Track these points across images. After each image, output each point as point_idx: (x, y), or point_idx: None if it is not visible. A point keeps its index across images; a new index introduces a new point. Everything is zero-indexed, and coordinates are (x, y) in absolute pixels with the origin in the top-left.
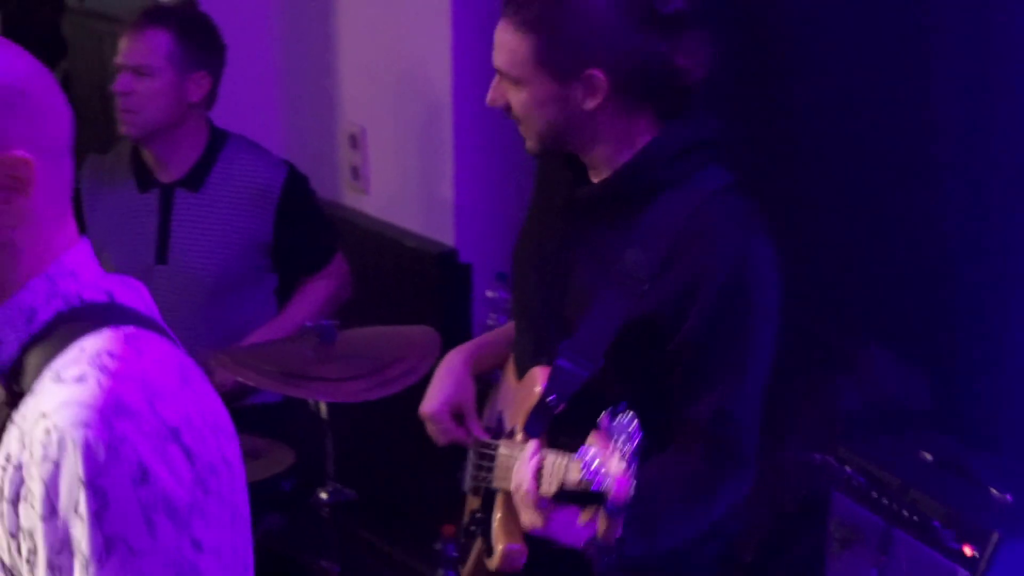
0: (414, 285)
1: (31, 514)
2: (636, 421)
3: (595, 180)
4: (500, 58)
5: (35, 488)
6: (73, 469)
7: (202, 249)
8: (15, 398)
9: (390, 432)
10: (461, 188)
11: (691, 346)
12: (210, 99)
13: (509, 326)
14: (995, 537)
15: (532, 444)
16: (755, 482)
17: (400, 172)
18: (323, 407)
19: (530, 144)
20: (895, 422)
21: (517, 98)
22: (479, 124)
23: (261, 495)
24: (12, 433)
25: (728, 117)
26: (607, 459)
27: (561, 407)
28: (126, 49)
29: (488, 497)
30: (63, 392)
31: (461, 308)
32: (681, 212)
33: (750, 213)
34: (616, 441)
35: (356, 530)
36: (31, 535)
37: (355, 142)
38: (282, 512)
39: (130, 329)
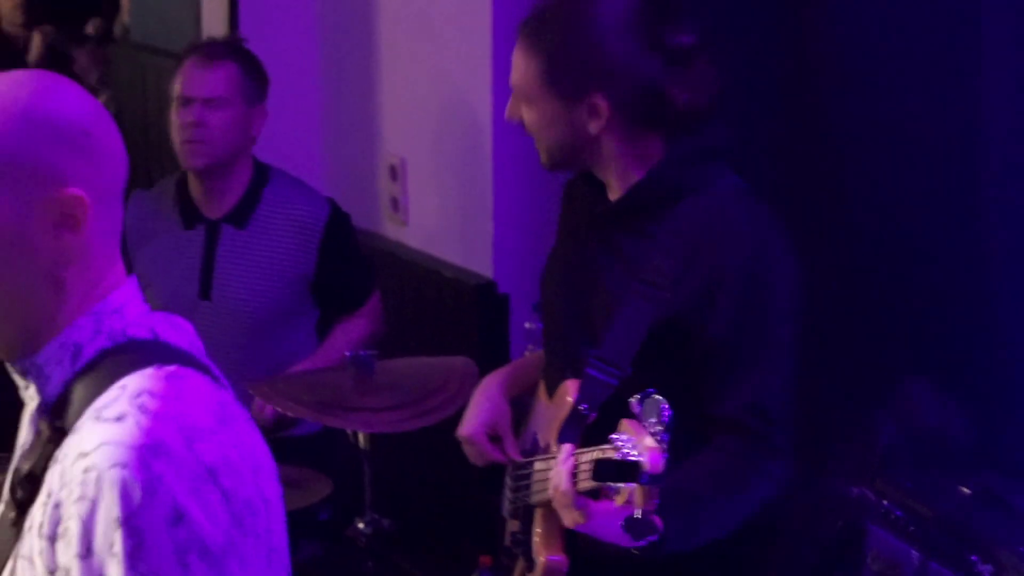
0: (453, 316)
1: (67, 552)
2: (665, 402)
3: (612, 198)
4: (513, 76)
5: (72, 526)
6: (109, 508)
7: (246, 284)
8: (58, 435)
9: (428, 462)
10: (500, 219)
11: (717, 345)
12: (260, 132)
13: (541, 352)
14: None
15: (566, 447)
16: (788, 509)
17: (439, 203)
18: (362, 437)
19: (543, 159)
20: (934, 455)
21: (528, 116)
22: (519, 155)
23: (298, 525)
24: (54, 470)
25: (763, 134)
26: (640, 437)
27: (593, 416)
28: (195, 80)
29: (527, 516)
30: (102, 431)
31: (499, 339)
32: (700, 216)
33: (767, 213)
34: (647, 421)
35: (393, 560)
36: (67, 572)
37: (395, 173)
38: (319, 542)
39: (172, 368)
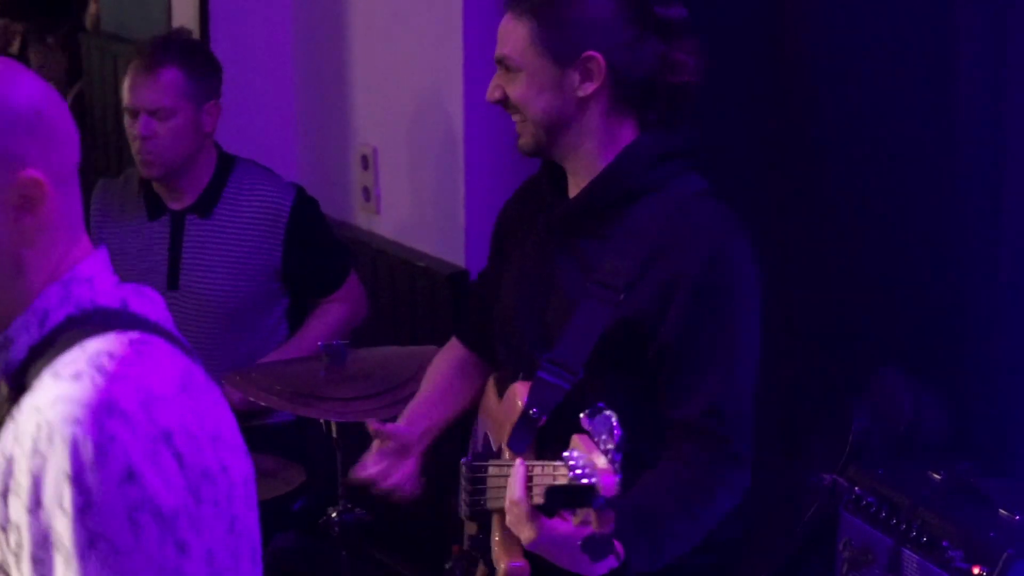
0: (425, 305)
1: (18, 506)
2: (615, 417)
3: (574, 192)
4: (501, 48)
5: (23, 481)
6: (60, 464)
7: (213, 274)
8: (17, 395)
9: None
10: (472, 208)
11: (672, 347)
12: (216, 121)
13: (432, 381)
14: (1004, 557)
15: (519, 460)
16: (762, 498)
17: (412, 193)
18: (334, 427)
19: (524, 141)
20: (907, 444)
21: (515, 88)
22: (490, 145)
23: (272, 514)
24: (8, 428)
25: (737, 126)
26: (591, 457)
27: (543, 420)
28: (139, 91)
29: (485, 519)
30: (58, 388)
31: None
32: (657, 217)
33: (726, 214)
34: (598, 439)
35: (367, 550)
36: (18, 528)
37: (367, 163)
38: (293, 531)
39: (135, 334)
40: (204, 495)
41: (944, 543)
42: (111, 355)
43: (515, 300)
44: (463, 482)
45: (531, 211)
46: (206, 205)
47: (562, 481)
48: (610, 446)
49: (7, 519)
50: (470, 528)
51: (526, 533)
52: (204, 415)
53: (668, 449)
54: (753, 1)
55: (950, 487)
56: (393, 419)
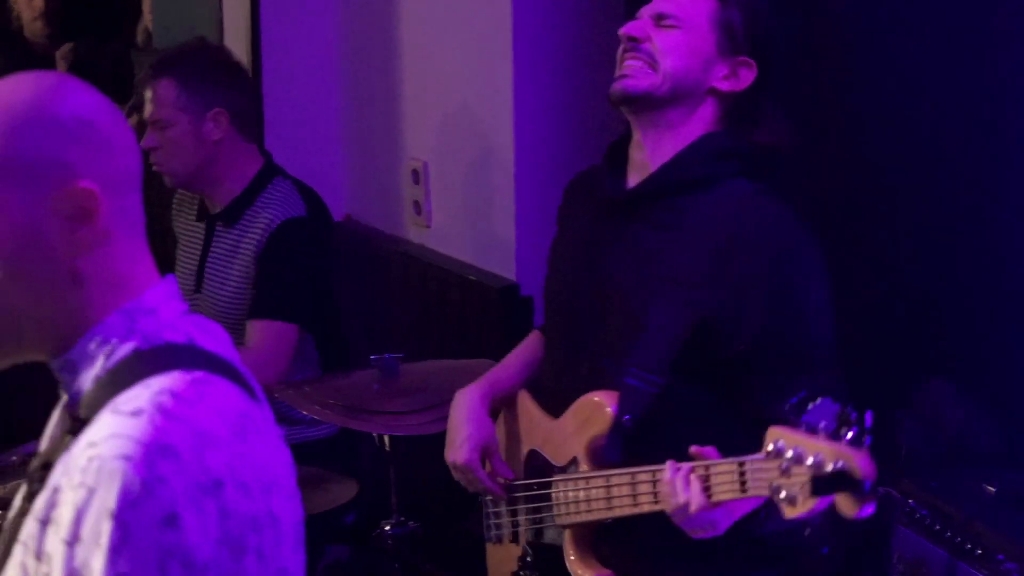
0: (476, 319)
1: (55, 537)
2: (837, 403)
3: (633, 182)
4: (667, 4)
5: (65, 512)
6: (105, 499)
7: (226, 282)
8: (77, 427)
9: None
10: (522, 222)
11: (759, 345)
12: (242, 129)
13: (514, 358)
14: None
15: (670, 465)
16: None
17: (462, 206)
18: (387, 440)
19: (637, 82)
20: (958, 455)
21: (669, 38)
22: (539, 159)
23: (324, 528)
24: (63, 458)
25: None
26: (817, 443)
27: (633, 427)
28: (146, 105)
29: (537, 538)
30: (116, 423)
31: None
32: (724, 213)
33: (789, 210)
34: (816, 426)
35: (419, 563)
36: (50, 559)
37: (417, 177)
38: (345, 545)
39: (199, 373)
40: (249, 545)
41: (999, 556)
42: (172, 394)
43: (568, 304)
44: (500, 503)
45: (587, 195)
46: (232, 214)
47: (764, 476)
48: (845, 429)
49: (42, 550)
50: (510, 551)
51: (704, 529)
52: (258, 462)
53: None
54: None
55: (1004, 499)
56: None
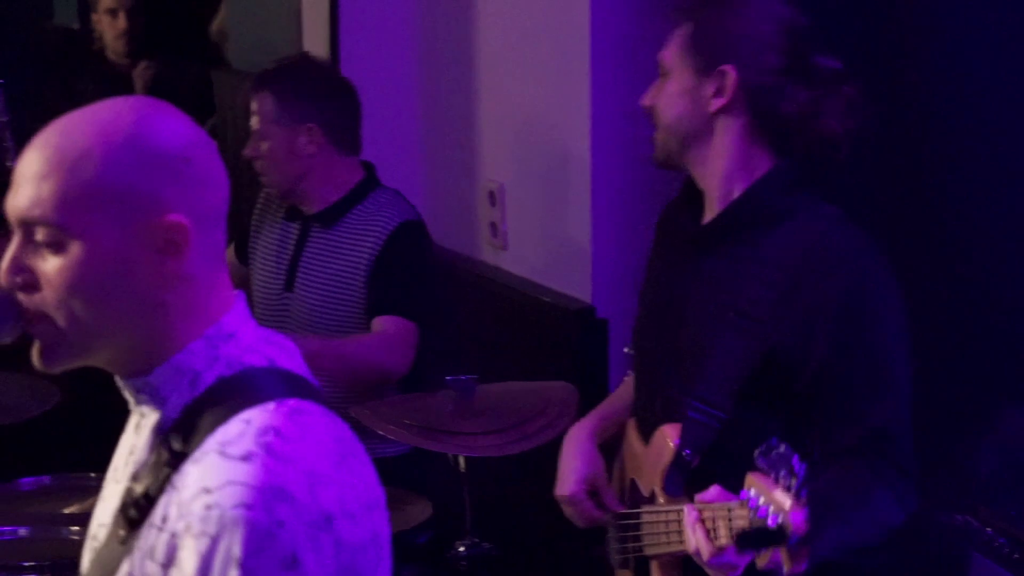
0: (551, 341)
1: None
2: (795, 453)
3: (708, 217)
4: (662, 52)
5: (187, 560)
6: (229, 547)
7: (321, 283)
8: (177, 460)
9: (527, 486)
10: (598, 244)
11: (824, 378)
12: (338, 143)
13: (624, 388)
14: None
15: (687, 508)
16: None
17: (538, 228)
18: (461, 460)
19: (656, 152)
20: None
21: (660, 93)
22: (616, 181)
23: (398, 548)
24: (171, 497)
25: (857, 147)
26: (772, 495)
27: (697, 460)
28: (251, 116)
29: (639, 565)
30: (228, 469)
31: (598, 364)
32: (796, 245)
33: (863, 239)
34: (777, 474)
35: None
36: None
37: (493, 199)
38: (418, 566)
39: (293, 403)
40: (359, 568)
41: None
42: (277, 432)
43: (649, 336)
44: (612, 529)
45: (670, 230)
46: (331, 217)
47: (741, 522)
48: (792, 482)
49: None
50: (623, 575)
51: (724, 573)
52: (359, 486)
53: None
54: (871, 8)
55: None
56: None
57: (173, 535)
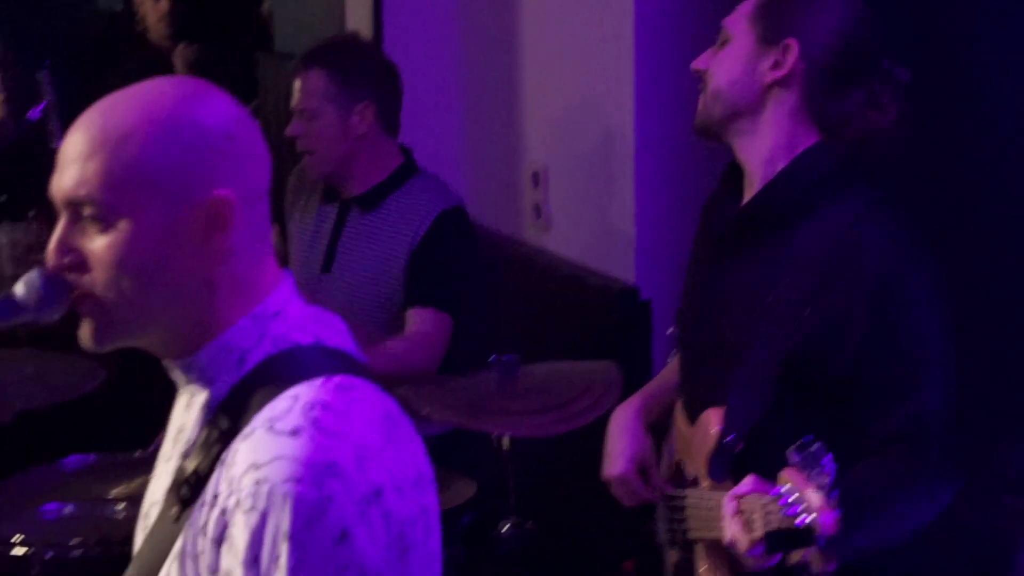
0: (595, 322)
1: (232, 557)
2: (827, 451)
3: (748, 196)
4: (729, 18)
5: (239, 535)
6: (279, 522)
7: (359, 266)
8: (226, 438)
9: (571, 466)
10: (642, 226)
11: (862, 366)
12: (387, 125)
13: (670, 368)
14: None
15: (726, 498)
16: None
17: (581, 210)
18: (505, 440)
19: (699, 118)
20: None
21: (717, 57)
22: (660, 162)
23: (442, 527)
24: (221, 474)
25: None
26: (804, 493)
27: (740, 446)
28: (294, 94)
29: (686, 546)
30: (277, 444)
31: (641, 345)
32: (828, 234)
33: (900, 224)
34: (809, 472)
35: (537, 564)
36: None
37: (537, 180)
38: (463, 545)
39: (341, 378)
40: (409, 542)
41: None
42: (325, 407)
43: (692, 321)
44: (661, 509)
45: (710, 219)
46: (371, 200)
47: (774, 518)
48: (824, 481)
49: (219, 567)
50: (671, 556)
51: (761, 562)
52: (407, 460)
53: (870, 457)
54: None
55: None
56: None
57: (224, 511)
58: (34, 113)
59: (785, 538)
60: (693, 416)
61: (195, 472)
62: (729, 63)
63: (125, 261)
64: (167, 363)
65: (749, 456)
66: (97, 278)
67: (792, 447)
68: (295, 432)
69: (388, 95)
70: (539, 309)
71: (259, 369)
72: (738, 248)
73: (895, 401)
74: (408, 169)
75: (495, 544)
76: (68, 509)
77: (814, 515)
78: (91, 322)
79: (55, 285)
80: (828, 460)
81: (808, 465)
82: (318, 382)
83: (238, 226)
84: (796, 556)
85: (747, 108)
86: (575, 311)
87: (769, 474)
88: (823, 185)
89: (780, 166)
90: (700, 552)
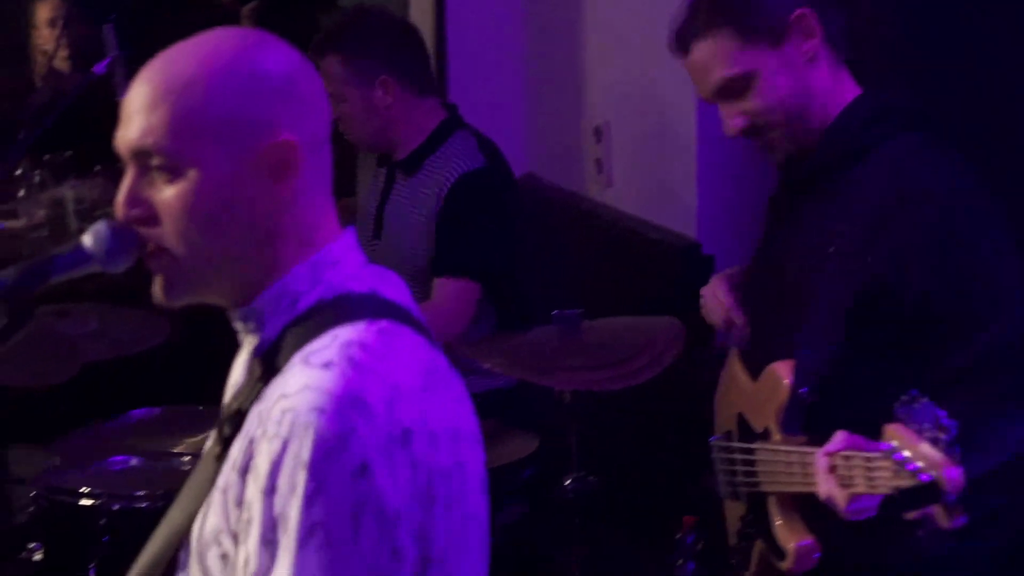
0: (657, 277)
1: (255, 486)
2: (938, 407)
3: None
4: (716, 75)
5: (262, 463)
6: (299, 451)
7: (403, 230)
8: (268, 375)
9: (632, 421)
10: (704, 181)
11: (930, 304)
12: (415, 88)
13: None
14: None
15: (819, 453)
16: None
17: (643, 165)
18: (568, 395)
19: (778, 153)
20: None
21: (753, 101)
22: None
23: (502, 482)
24: (256, 408)
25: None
26: (919, 449)
27: (813, 398)
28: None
29: (753, 500)
30: (307, 376)
31: None
32: (881, 178)
33: (950, 161)
34: (919, 426)
35: (597, 518)
36: (251, 507)
37: (599, 135)
38: (524, 500)
39: (385, 323)
40: (437, 495)
41: None
42: (362, 346)
43: (756, 277)
44: (719, 461)
45: (783, 175)
46: (412, 164)
47: (885, 475)
48: (942, 436)
49: (243, 498)
50: (734, 509)
51: (859, 515)
52: (445, 411)
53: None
54: None
55: None
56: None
57: (252, 441)
58: (99, 68)
59: (910, 496)
60: (754, 369)
61: (237, 410)
62: (773, 78)
63: (194, 210)
64: (231, 314)
65: (821, 407)
66: (166, 229)
67: (898, 402)
68: (327, 365)
69: (406, 60)
70: (601, 264)
71: (309, 312)
72: (797, 204)
73: (968, 334)
74: (448, 127)
75: (557, 499)
76: (134, 461)
77: (937, 471)
78: (162, 277)
79: (123, 236)
80: (944, 415)
81: (918, 419)
82: (362, 324)
83: (302, 173)
84: (914, 513)
85: (807, 94)
86: (637, 266)
87: (843, 425)
88: (873, 129)
89: (830, 118)
90: (774, 506)
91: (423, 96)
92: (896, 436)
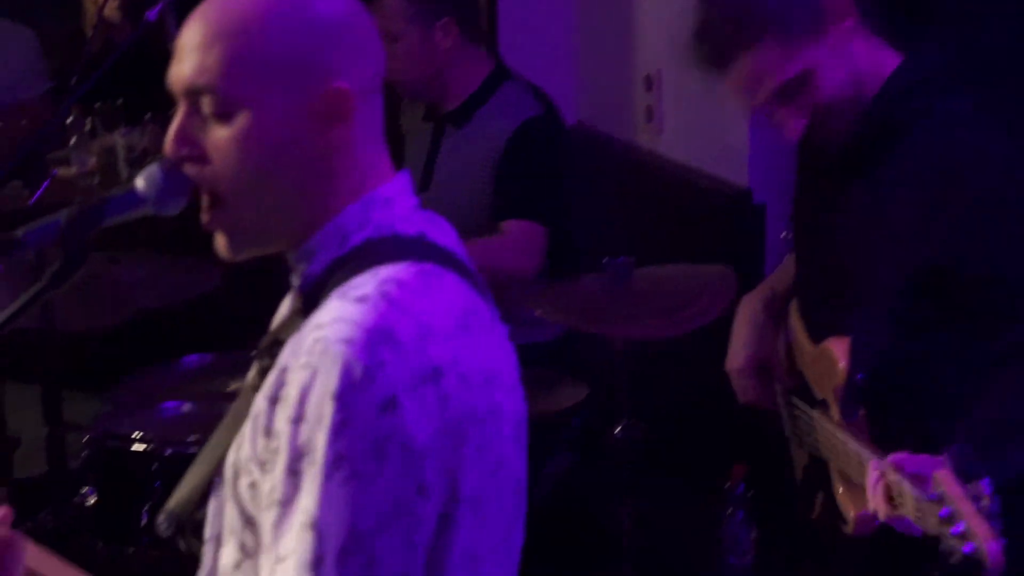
0: (708, 225)
1: (283, 416)
2: (985, 472)
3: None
4: (769, 84)
5: (292, 392)
6: (327, 381)
7: (454, 182)
8: (308, 309)
9: (683, 369)
10: (755, 128)
11: (985, 280)
12: (471, 36)
13: (790, 261)
14: None
15: (872, 466)
16: None
17: (694, 113)
18: (618, 343)
19: (838, 139)
20: None
21: (813, 97)
22: None
23: (553, 430)
24: (292, 340)
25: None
26: (963, 512)
27: (867, 383)
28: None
29: (817, 458)
30: (340, 308)
31: (755, 249)
32: (930, 154)
33: (997, 130)
34: (966, 487)
35: (647, 467)
36: (279, 436)
37: (650, 83)
38: (574, 448)
39: (428, 265)
40: (468, 436)
41: None
42: (399, 283)
43: (805, 250)
44: (785, 410)
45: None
46: (461, 116)
47: (929, 520)
48: (986, 503)
49: (272, 426)
50: (800, 456)
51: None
52: (481, 355)
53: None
54: None
55: None
56: None
57: (284, 370)
58: (151, 15)
59: (948, 551)
60: (811, 329)
61: (275, 340)
62: (833, 78)
63: (246, 152)
64: (288, 256)
65: (877, 389)
66: (218, 170)
67: (947, 449)
68: (362, 299)
69: (468, 5)
70: (651, 212)
71: (356, 251)
72: (843, 184)
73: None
74: (498, 77)
75: (608, 446)
76: (186, 407)
77: (979, 544)
78: (223, 234)
79: (175, 178)
80: (987, 483)
81: (963, 472)
82: (403, 264)
83: (356, 119)
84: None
85: (857, 75)
86: (688, 214)
87: (902, 405)
88: (914, 104)
89: (872, 91)
90: (836, 473)
91: (476, 45)
92: (942, 485)
